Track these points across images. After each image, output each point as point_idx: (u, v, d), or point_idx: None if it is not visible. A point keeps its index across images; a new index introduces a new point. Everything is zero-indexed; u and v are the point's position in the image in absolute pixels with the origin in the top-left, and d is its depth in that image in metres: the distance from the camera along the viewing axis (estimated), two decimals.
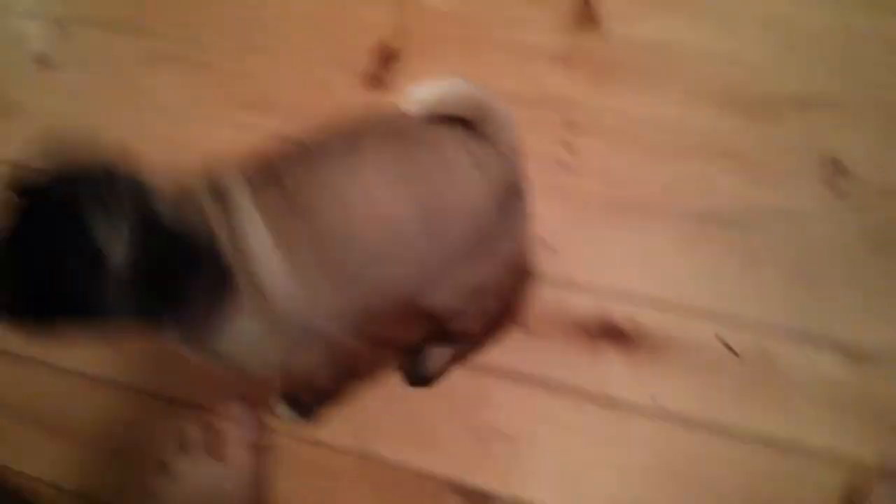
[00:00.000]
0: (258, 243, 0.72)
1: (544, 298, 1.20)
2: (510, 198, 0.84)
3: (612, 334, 1.17)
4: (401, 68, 1.46)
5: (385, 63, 1.46)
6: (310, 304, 0.77)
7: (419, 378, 1.16)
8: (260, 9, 1.57)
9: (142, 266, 0.62)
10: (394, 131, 0.79)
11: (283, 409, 1.13)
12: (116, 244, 0.60)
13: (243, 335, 0.77)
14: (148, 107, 1.47)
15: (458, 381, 1.15)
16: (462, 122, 0.79)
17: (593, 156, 1.33)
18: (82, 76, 1.54)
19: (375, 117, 0.82)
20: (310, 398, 1.13)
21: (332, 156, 0.76)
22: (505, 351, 1.16)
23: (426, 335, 1.12)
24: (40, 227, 0.60)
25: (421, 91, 0.79)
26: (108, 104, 1.49)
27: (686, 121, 1.34)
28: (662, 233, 1.25)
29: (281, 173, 0.75)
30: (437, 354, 1.14)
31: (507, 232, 0.89)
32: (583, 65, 1.42)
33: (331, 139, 0.78)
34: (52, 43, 1.58)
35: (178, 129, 1.42)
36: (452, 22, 1.51)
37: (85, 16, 1.60)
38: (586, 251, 1.23)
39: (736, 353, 1.14)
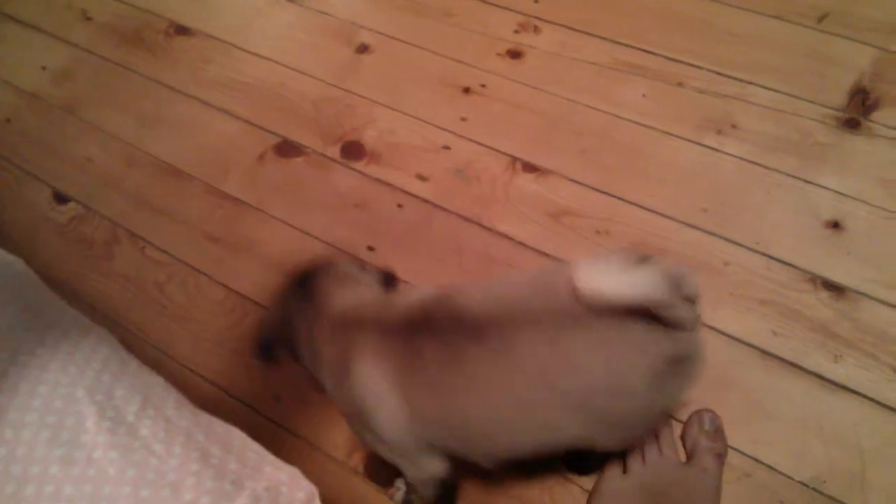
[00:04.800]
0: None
1: None
2: (672, 367, 0.75)
3: None
4: (879, 116, 1.43)
5: (863, 108, 1.45)
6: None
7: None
8: (736, 36, 1.56)
9: None
10: (552, 314, 0.74)
11: None
12: None
13: None
14: (610, 111, 1.49)
15: None
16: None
17: None
18: (548, 68, 1.58)
19: (541, 289, 0.77)
20: None
21: (481, 343, 0.74)
22: None
23: None
24: None
25: (604, 280, 0.69)
26: (572, 98, 1.52)
27: None
28: None
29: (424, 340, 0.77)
30: None
31: (662, 396, 0.81)
32: None
33: (487, 321, 0.75)
34: (520, 37, 1.64)
35: (642, 139, 1.45)
36: None
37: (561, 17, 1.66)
38: None
39: None
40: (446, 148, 1.48)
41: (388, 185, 1.45)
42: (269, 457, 0.58)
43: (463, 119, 1.51)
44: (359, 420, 0.83)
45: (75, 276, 1.43)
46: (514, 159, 1.44)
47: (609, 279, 0.68)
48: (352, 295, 0.87)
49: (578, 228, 1.34)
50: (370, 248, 1.37)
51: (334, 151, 1.51)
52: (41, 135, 1.66)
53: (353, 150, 1.50)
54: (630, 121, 1.45)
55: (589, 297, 0.68)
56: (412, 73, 1.59)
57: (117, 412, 0.54)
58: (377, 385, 0.77)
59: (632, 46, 1.54)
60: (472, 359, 0.75)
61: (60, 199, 1.55)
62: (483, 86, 1.54)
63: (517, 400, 0.76)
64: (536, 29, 1.60)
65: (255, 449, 0.58)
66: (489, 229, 1.36)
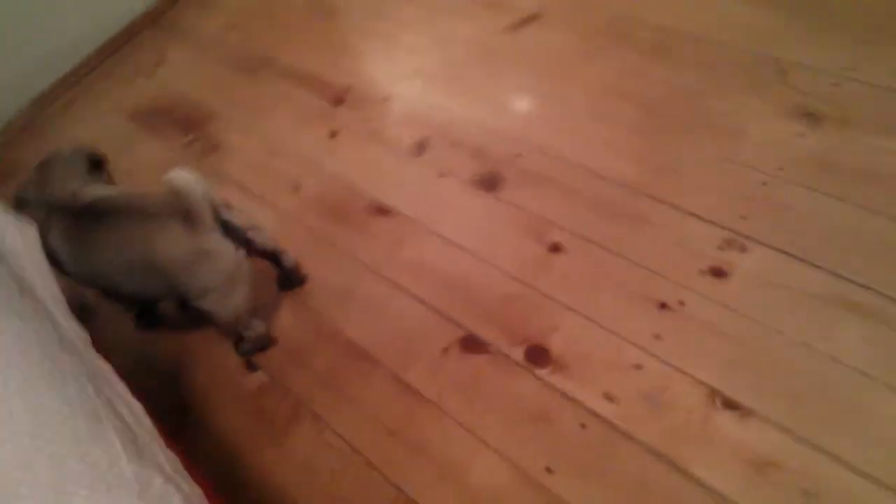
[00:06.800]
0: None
1: None
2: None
3: None
4: None
5: None
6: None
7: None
8: None
9: None
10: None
11: None
12: None
13: None
14: (826, 351, 1.34)
15: None
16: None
17: None
18: (755, 293, 1.46)
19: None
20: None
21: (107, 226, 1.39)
22: None
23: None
24: None
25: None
26: (781, 330, 1.39)
27: None
28: None
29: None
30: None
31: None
32: None
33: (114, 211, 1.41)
34: (725, 254, 1.52)
35: (862, 391, 1.29)
36: None
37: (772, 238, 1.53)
38: None
39: None
40: (638, 367, 1.41)
41: (572, 399, 1.39)
42: None
43: (657, 337, 1.44)
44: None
45: (251, 444, 1.46)
46: (714, 391, 1.34)
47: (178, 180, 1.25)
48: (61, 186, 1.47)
49: (783, 485, 1.21)
50: (548, 470, 1.31)
51: (518, 354, 1.48)
52: None
53: (537, 355, 1.47)
54: (849, 366, 1.32)
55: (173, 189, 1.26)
56: (605, 279, 1.55)
57: None
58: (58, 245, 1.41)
59: (853, 281, 1.42)
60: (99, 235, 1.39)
61: (250, 366, 1.60)
62: (681, 303, 1.47)
63: (116, 261, 1.39)
64: (743, 248, 1.52)
65: None
66: (681, 470, 1.26)
